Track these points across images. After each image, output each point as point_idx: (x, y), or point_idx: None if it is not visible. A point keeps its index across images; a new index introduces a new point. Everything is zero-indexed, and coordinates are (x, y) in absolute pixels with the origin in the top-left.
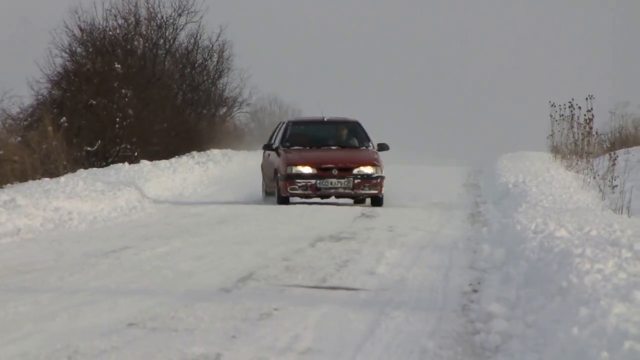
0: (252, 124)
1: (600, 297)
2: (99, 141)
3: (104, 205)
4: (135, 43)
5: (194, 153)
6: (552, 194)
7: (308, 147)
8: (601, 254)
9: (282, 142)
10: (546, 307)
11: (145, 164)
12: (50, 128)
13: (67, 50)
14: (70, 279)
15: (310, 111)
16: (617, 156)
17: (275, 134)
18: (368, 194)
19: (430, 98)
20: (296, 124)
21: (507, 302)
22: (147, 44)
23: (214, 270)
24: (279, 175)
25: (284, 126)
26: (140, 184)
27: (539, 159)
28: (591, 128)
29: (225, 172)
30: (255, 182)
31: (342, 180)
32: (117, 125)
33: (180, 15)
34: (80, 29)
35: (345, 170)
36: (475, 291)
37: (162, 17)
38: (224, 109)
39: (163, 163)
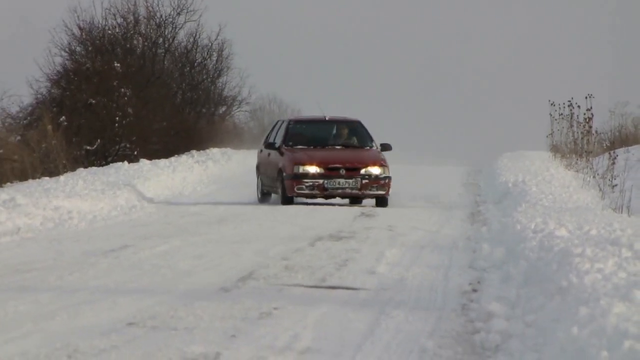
0: (251, 122)
1: (600, 296)
2: (99, 140)
3: (103, 204)
4: (135, 42)
5: (194, 152)
6: (551, 193)
7: (312, 147)
8: (601, 253)
9: (284, 141)
10: (546, 307)
11: (144, 162)
12: (49, 127)
13: (67, 49)
14: (69, 278)
15: (310, 110)
16: (617, 155)
17: (274, 132)
18: (375, 194)
19: (429, 98)
20: (298, 122)
21: (507, 302)
22: (146, 43)
23: (214, 269)
24: (284, 174)
25: (284, 125)
26: (139, 183)
27: (538, 158)
28: (591, 127)
29: (224, 171)
30: (255, 180)
31: (350, 181)
32: (116, 124)
33: (179, 14)
34: (80, 28)
35: (352, 171)
36: (475, 290)
37: (161, 15)
38: (224, 108)
39: (163, 162)
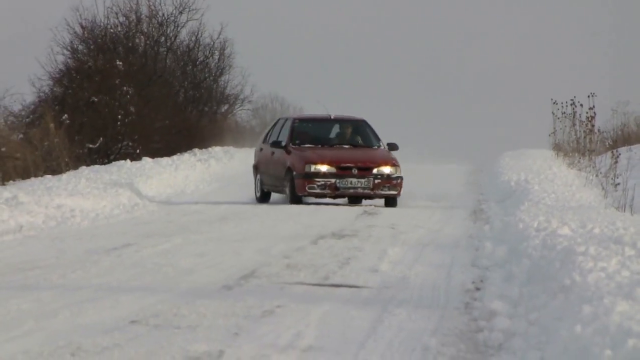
0: (253, 121)
1: (604, 294)
2: (101, 138)
3: (106, 202)
4: (137, 40)
5: (196, 150)
6: (554, 191)
7: (319, 146)
8: (604, 252)
9: (290, 139)
10: (549, 305)
11: (147, 161)
12: (52, 125)
13: (69, 48)
14: (72, 276)
15: (311, 109)
16: (620, 154)
17: (276, 131)
18: (387, 194)
19: (430, 96)
20: (303, 121)
21: (510, 300)
22: (148, 42)
23: (216, 267)
24: (294, 173)
25: (289, 123)
26: (142, 182)
27: (540, 156)
28: (593, 126)
29: (227, 169)
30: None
31: (362, 180)
32: (118, 123)
33: (181, 12)
34: (82, 27)
35: (365, 170)
36: (477, 289)
37: (163, 14)
38: (226, 107)
39: (165, 160)
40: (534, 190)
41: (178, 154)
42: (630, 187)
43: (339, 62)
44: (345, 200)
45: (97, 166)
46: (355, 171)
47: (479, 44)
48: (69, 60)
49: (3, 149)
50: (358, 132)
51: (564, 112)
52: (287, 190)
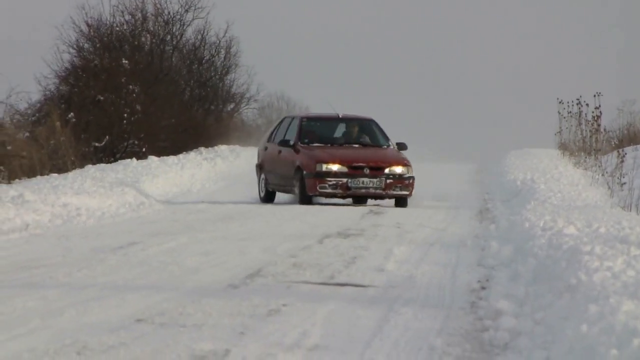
0: (259, 120)
1: (610, 294)
2: (107, 137)
3: (112, 201)
4: (143, 39)
5: (202, 149)
6: (560, 191)
7: (328, 145)
8: (610, 252)
9: (299, 138)
10: (555, 305)
11: (153, 159)
12: (58, 123)
13: (75, 46)
14: (78, 274)
15: (317, 107)
16: (626, 153)
17: (282, 130)
18: (399, 194)
19: (435, 95)
20: (311, 120)
21: (516, 299)
22: (154, 40)
23: (221, 266)
24: (304, 172)
25: (297, 122)
26: (148, 180)
27: (546, 156)
28: (599, 125)
29: (233, 168)
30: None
31: (374, 180)
32: (124, 121)
33: (187, 11)
34: (88, 25)
35: (376, 170)
36: (483, 288)
37: (169, 13)
38: (232, 105)
39: (171, 159)
40: (540, 189)
41: (184, 152)
42: (636, 187)
43: (345, 61)
44: (349, 199)
45: (103, 165)
46: (367, 171)
47: (484, 42)
48: (74, 58)
49: (9, 148)
50: (367, 131)
51: (570, 112)
52: (297, 189)
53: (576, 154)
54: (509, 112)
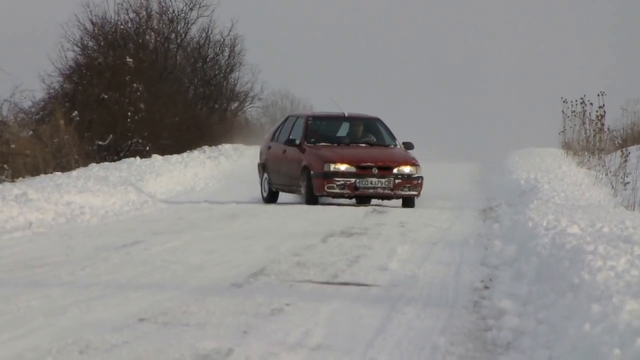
0: (263, 118)
1: (613, 294)
2: (111, 135)
3: (115, 199)
4: (147, 37)
5: (206, 148)
6: (563, 190)
7: (335, 144)
8: (613, 251)
9: (304, 137)
10: (557, 304)
11: (156, 158)
12: (62, 122)
13: (79, 44)
14: (81, 273)
15: (321, 106)
16: (629, 153)
17: (287, 129)
18: (408, 195)
19: (438, 94)
20: (317, 119)
21: (519, 299)
22: (158, 38)
23: (225, 264)
24: (311, 172)
25: (302, 121)
26: (151, 179)
27: (549, 155)
28: (603, 124)
29: (236, 166)
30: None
31: (383, 180)
32: (128, 120)
33: (191, 9)
34: (92, 23)
35: (385, 170)
36: (486, 287)
37: (173, 11)
38: (236, 104)
39: (174, 157)
40: (544, 189)
41: (188, 151)
42: (639, 186)
43: (348, 60)
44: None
45: (106, 163)
46: (375, 171)
47: (488, 41)
48: (79, 56)
49: (13, 146)
50: (373, 130)
51: (574, 111)
52: (303, 190)
53: (580, 153)
54: (513, 111)
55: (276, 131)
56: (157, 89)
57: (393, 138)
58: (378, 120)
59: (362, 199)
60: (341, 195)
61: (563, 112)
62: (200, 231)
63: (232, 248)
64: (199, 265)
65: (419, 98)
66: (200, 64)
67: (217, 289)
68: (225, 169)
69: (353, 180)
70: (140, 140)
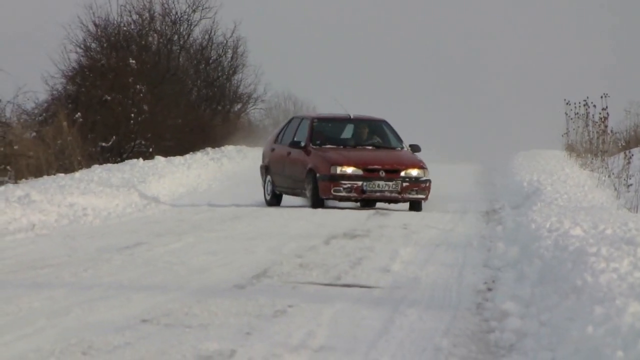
0: (266, 120)
1: (616, 295)
2: (114, 137)
3: (118, 201)
4: (150, 39)
5: (209, 149)
6: (566, 192)
7: (341, 147)
8: (616, 253)
9: (310, 140)
10: (560, 306)
11: (159, 160)
12: (65, 123)
13: (82, 46)
14: (84, 274)
15: (324, 108)
16: (632, 155)
17: (291, 131)
18: (415, 198)
19: (441, 96)
20: (322, 121)
21: (522, 301)
22: (161, 40)
23: (227, 266)
24: (317, 175)
25: (307, 123)
26: (154, 180)
27: (553, 157)
28: (606, 126)
29: (239, 168)
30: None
31: (390, 183)
32: (131, 121)
33: (194, 11)
34: (95, 25)
35: (392, 173)
36: (489, 289)
37: (176, 12)
38: (239, 105)
39: (177, 159)
40: (547, 190)
41: (191, 152)
42: None
43: (352, 62)
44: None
45: (109, 165)
46: (382, 174)
47: (490, 42)
48: (82, 58)
49: (16, 147)
50: (379, 132)
51: (577, 113)
52: (308, 193)
53: (583, 155)
54: (516, 113)
55: (280, 133)
56: (160, 91)
57: (400, 140)
58: (384, 122)
59: (367, 202)
60: (348, 199)
61: (566, 114)
62: (203, 233)
63: (235, 249)
64: (201, 266)
65: (421, 99)
66: (203, 65)
67: (220, 290)
68: (228, 170)
69: (360, 183)
70: (143, 142)
